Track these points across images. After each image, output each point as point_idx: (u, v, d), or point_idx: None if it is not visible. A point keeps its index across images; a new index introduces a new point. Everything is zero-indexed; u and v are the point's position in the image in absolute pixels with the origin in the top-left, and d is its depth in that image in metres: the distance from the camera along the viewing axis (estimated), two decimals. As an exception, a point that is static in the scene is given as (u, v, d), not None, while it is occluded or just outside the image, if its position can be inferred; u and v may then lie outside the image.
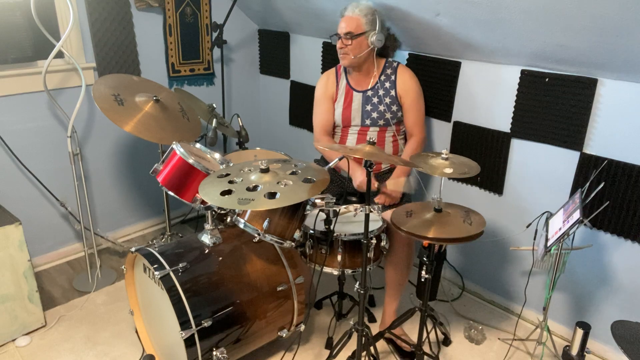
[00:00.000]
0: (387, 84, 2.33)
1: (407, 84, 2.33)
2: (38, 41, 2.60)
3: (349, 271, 1.98)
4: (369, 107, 2.35)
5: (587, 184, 2.05)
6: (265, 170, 1.73)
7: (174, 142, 2.06)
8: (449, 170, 1.79)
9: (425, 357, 2.11)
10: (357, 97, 2.37)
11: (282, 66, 3.45)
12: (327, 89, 2.45)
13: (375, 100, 2.34)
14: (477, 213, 1.90)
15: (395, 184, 2.26)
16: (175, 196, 2.02)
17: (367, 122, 2.36)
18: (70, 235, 2.96)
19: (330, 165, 1.98)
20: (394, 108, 2.33)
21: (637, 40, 1.74)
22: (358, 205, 2.21)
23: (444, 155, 1.87)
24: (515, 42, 2.11)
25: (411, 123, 2.37)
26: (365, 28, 2.22)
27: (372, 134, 2.37)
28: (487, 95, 2.42)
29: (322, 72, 3.16)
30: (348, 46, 2.25)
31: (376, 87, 2.35)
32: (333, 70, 2.47)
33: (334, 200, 1.88)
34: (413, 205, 1.97)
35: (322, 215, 1.99)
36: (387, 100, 2.33)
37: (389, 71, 2.36)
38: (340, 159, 2.02)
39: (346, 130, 2.42)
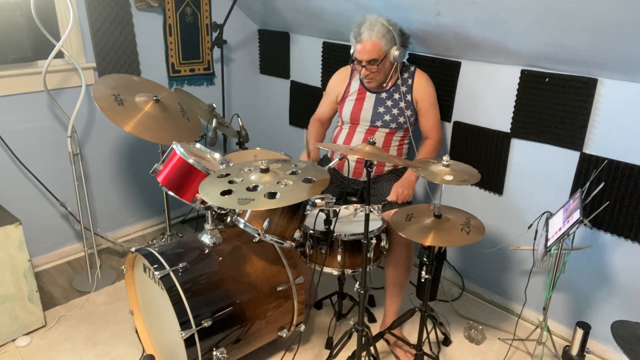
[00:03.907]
0: (404, 88, 2.32)
1: (424, 89, 2.32)
2: (38, 41, 2.60)
3: (348, 271, 1.98)
4: (381, 109, 2.33)
5: (587, 184, 2.05)
6: (265, 170, 1.73)
7: (174, 142, 2.06)
8: (449, 178, 1.79)
9: (425, 357, 2.11)
10: (370, 98, 2.36)
11: (282, 66, 3.45)
12: (335, 87, 2.49)
13: (389, 103, 2.32)
14: (478, 219, 1.90)
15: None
16: (175, 196, 2.02)
17: (378, 123, 2.34)
18: (70, 235, 2.97)
19: (330, 165, 1.98)
20: (409, 112, 2.32)
21: (637, 40, 1.74)
22: (358, 206, 2.21)
23: (444, 162, 1.86)
24: (515, 42, 2.11)
25: (429, 127, 2.36)
26: (386, 49, 2.19)
27: (380, 135, 2.36)
28: (487, 95, 2.42)
29: (322, 72, 3.18)
30: (373, 72, 2.22)
31: (391, 90, 2.33)
32: (349, 68, 2.46)
33: (334, 200, 1.88)
34: (414, 208, 1.97)
35: (322, 215, 1.99)
36: (402, 104, 2.31)
37: (405, 75, 2.34)
38: (340, 159, 2.02)
39: (354, 128, 2.42)
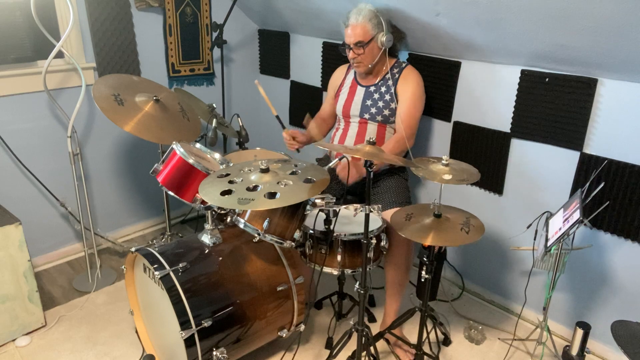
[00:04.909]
0: (390, 82, 2.35)
1: (407, 82, 2.33)
2: (38, 41, 2.60)
3: (348, 271, 1.98)
4: (369, 102, 2.37)
5: (587, 184, 2.05)
6: (265, 170, 1.73)
7: (174, 142, 2.06)
8: (447, 177, 1.79)
9: (425, 357, 2.11)
10: (360, 91, 2.41)
11: (282, 66, 3.45)
12: (333, 82, 2.59)
13: (376, 96, 2.36)
14: (477, 219, 1.90)
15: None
16: (175, 196, 2.02)
17: (366, 116, 2.38)
18: (70, 235, 2.97)
19: (330, 165, 1.98)
20: (393, 105, 2.33)
21: (637, 40, 1.74)
22: (358, 205, 2.20)
23: (444, 161, 1.86)
24: (515, 42, 2.11)
25: (398, 120, 2.33)
26: (373, 33, 2.23)
27: (372, 126, 2.38)
28: (487, 95, 2.42)
29: (322, 72, 3.18)
30: (360, 55, 2.27)
31: (379, 83, 2.37)
32: (347, 64, 2.54)
33: (334, 200, 1.88)
34: (414, 207, 1.97)
35: (322, 215, 1.99)
36: (387, 97, 2.33)
37: (395, 70, 2.37)
38: (340, 159, 2.02)
39: (347, 123, 2.47)
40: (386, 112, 2.34)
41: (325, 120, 2.67)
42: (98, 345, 2.28)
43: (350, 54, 2.29)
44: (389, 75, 2.36)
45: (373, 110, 2.35)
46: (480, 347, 2.34)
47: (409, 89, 2.32)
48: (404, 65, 2.38)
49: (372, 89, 2.38)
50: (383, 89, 2.35)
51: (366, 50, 2.25)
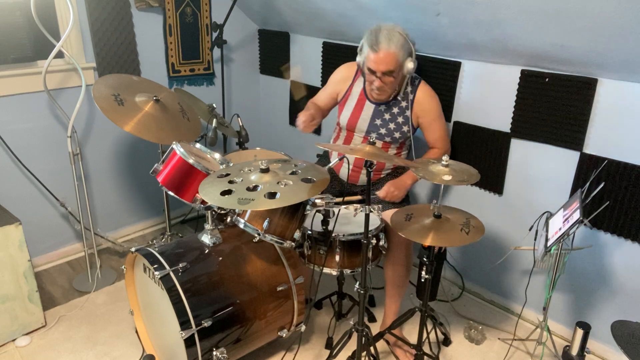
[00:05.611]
0: (404, 103, 2.22)
1: (425, 105, 2.22)
2: (38, 41, 2.60)
3: (347, 271, 1.98)
4: (378, 122, 2.25)
5: (587, 184, 2.05)
6: (265, 170, 1.73)
7: (174, 142, 2.06)
8: (447, 178, 1.78)
9: (425, 357, 2.11)
10: (369, 108, 2.27)
11: (282, 66, 3.45)
12: (338, 83, 2.39)
13: (386, 116, 2.24)
14: (477, 219, 1.90)
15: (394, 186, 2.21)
16: (175, 196, 2.02)
17: (373, 135, 2.27)
18: (70, 235, 2.96)
19: (330, 165, 1.98)
20: (405, 128, 2.23)
21: (637, 40, 1.74)
22: (358, 205, 2.20)
23: (444, 162, 1.85)
24: (515, 42, 2.11)
25: (433, 139, 2.28)
26: (402, 61, 2.07)
27: (377, 144, 2.31)
28: (487, 95, 2.42)
29: (322, 72, 3.17)
30: (388, 84, 2.10)
31: (391, 103, 2.24)
32: (354, 67, 2.34)
33: (334, 200, 1.88)
34: (414, 208, 1.97)
35: (321, 216, 1.99)
36: (400, 119, 2.22)
37: (408, 89, 2.22)
38: (340, 159, 2.01)
39: (350, 136, 2.37)
40: (397, 134, 2.23)
41: (320, 108, 2.44)
42: (98, 345, 2.28)
43: (376, 83, 2.10)
44: (402, 95, 2.23)
45: (382, 130, 2.24)
46: (480, 347, 2.34)
47: (430, 112, 2.22)
48: (417, 82, 2.24)
49: (382, 107, 2.24)
50: (395, 109, 2.22)
51: (394, 79, 2.09)
